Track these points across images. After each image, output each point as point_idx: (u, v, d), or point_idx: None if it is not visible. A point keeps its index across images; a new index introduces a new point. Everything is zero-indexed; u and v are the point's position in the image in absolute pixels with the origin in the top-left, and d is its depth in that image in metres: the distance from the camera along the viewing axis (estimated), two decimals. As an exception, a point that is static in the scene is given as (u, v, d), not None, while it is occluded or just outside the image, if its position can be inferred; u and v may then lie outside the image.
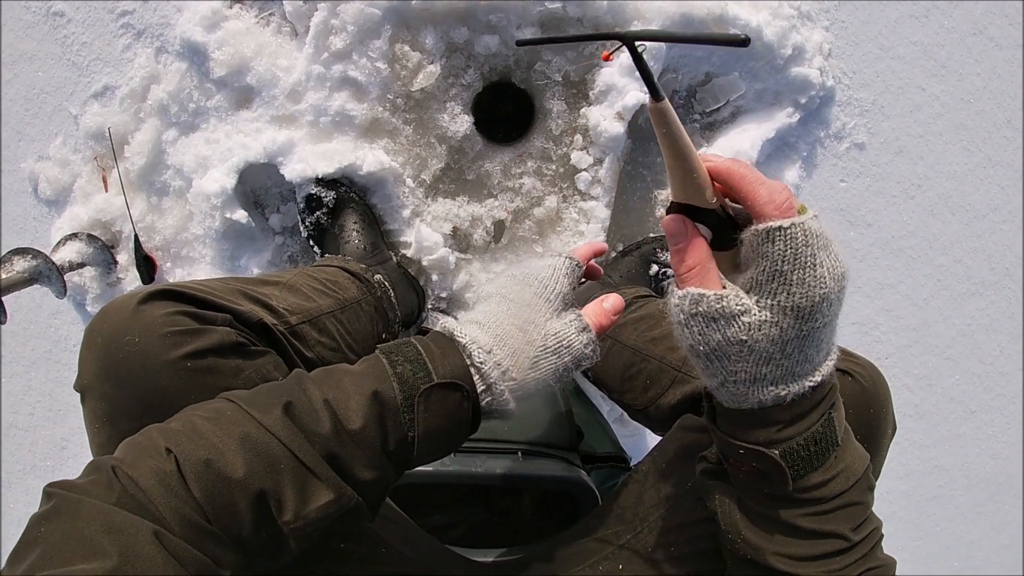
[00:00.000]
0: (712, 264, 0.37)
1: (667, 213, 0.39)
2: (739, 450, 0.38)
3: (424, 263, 1.02)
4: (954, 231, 1.16)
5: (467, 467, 0.62)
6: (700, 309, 0.36)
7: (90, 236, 1.03)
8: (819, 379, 0.37)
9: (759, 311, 0.35)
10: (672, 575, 0.49)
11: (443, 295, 1.07)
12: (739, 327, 0.35)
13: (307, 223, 0.94)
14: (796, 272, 0.33)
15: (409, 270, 1.03)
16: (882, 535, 0.42)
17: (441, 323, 0.44)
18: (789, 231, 0.33)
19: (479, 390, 0.41)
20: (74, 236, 1.02)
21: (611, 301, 0.46)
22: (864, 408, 0.50)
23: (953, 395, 1.23)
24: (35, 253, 0.92)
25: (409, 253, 1.01)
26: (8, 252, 0.92)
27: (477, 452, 0.64)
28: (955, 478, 1.27)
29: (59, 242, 1.02)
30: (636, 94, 0.93)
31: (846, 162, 1.09)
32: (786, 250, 0.33)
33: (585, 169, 0.99)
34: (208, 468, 0.33)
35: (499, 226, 1.06)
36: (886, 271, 1.15)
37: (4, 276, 0.89)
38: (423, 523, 0.66)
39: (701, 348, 0.37)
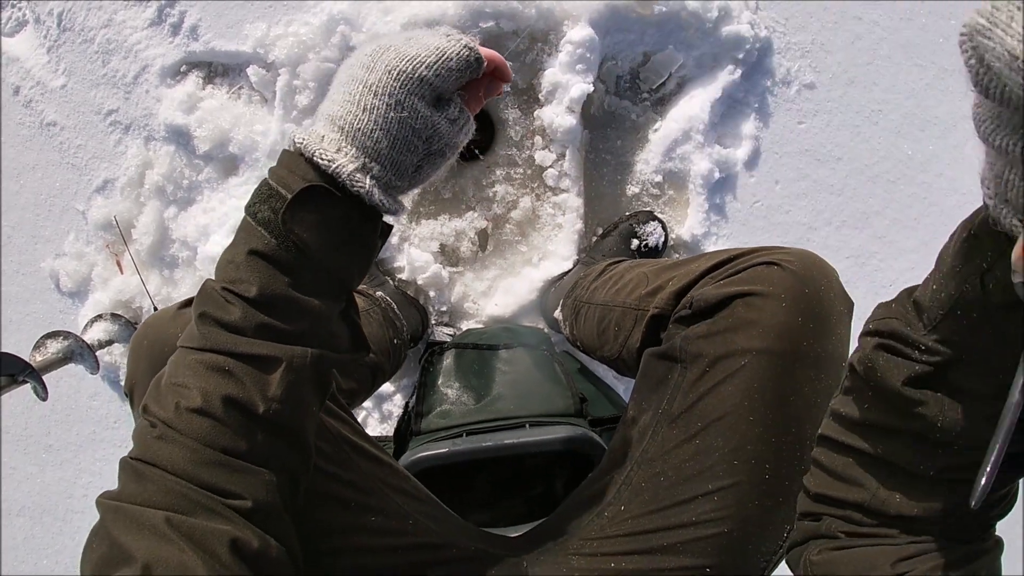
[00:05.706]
0: None
1: None
2: None
3: (420, 282, 1.18)
4: (928, 147, 1.28)
5: (478, 443, 0.72)
6: None
7: (114, 315, 1.22)
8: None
9: None
10: (667, 504, 0.56)
11: (443, 309, 1.23)
12: None
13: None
14: None
15: (407, 291, 1.19)
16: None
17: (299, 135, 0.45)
18: None
19: (347, 184, 0.42)
20: (99, 317, 1.21)
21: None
22: (799, 291, 0.53)
23: (967, 308, 1.33)
24: (66, 334, 1.10)
25: (404, 276, 1.17)
26: (41, 337, 1.10)
27: (486, 431, 0.77)
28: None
29: (86, 325, 1.22)
30: (580, 86, 1.08)
31: (799, 104, 1.22)
32: None
33: (550, 165, 1.15)
34: (178, 410, 0.41)
35: (483, 235, 1.22)
36: (867, 199, 1.27)
37: (40, 358, 1.07)
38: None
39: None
